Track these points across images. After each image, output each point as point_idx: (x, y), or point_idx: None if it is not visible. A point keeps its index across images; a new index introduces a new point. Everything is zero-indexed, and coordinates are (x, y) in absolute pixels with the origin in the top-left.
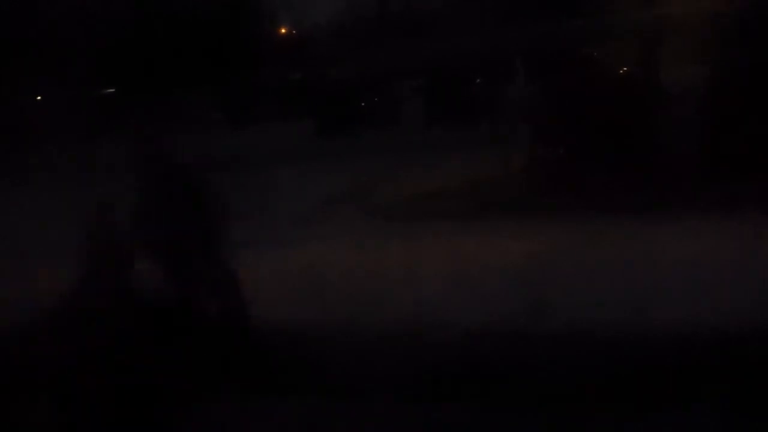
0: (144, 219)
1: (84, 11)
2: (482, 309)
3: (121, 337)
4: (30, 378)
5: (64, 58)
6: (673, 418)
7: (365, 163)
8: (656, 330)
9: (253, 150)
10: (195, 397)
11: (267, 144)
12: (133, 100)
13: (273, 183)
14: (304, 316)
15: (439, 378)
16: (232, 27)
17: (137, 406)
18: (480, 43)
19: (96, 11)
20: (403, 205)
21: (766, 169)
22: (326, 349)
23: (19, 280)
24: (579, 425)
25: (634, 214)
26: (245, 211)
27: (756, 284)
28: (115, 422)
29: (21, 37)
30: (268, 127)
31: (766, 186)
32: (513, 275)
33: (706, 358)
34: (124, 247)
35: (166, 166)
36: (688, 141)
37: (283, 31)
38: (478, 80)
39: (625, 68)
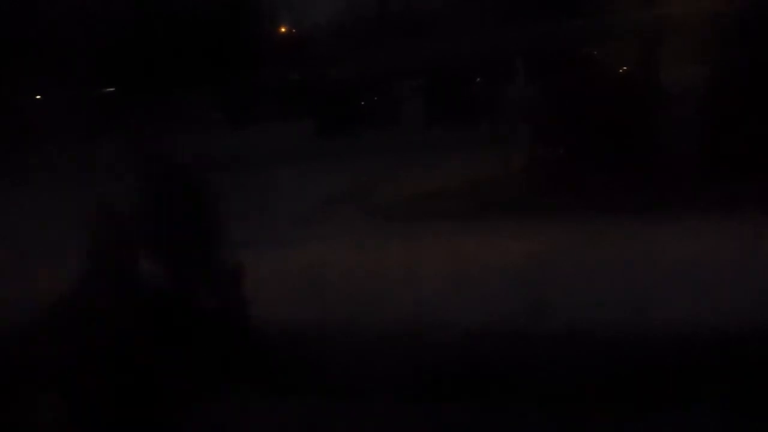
0: (144, 219)
1: (84, 11)
2: (482, 309)
3: (121, 336)
4: (30, 378)
5: (64, 58)
6: (673, 418)
7: (365, 163)
8: (656, 330)
9: (253, 150)
10: (195, 396)
11: (267, 144)
12: (133, 100)
13: (273, 183)
14: (304, 316)
15: (439, 378)
16: (232, 27)
17: (138, 405)
18: (480, 43)
19: (96, 11)
20: (403, 205)
21: (766, 169)
22: (326, 349)
23: (19, 280)
24: (579, 425)
25: (634, 214)
26: (245, 211)
27: (756, 284)
28: (115, 422)
29: (21, 36)
30: (268, 127)
31: (766, 186)
32: (513, 275)
33: (706, 358)
34: (124, 247)
35: (166, 166)
36: (688, 141)
37: (283, 31)
38: (478, 80)
39: (625, 68)
